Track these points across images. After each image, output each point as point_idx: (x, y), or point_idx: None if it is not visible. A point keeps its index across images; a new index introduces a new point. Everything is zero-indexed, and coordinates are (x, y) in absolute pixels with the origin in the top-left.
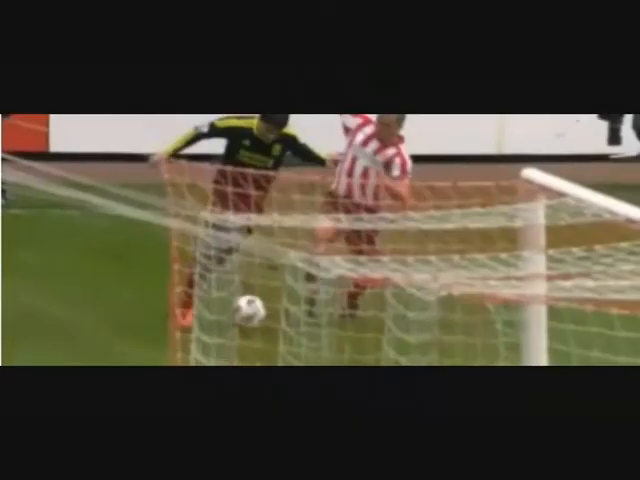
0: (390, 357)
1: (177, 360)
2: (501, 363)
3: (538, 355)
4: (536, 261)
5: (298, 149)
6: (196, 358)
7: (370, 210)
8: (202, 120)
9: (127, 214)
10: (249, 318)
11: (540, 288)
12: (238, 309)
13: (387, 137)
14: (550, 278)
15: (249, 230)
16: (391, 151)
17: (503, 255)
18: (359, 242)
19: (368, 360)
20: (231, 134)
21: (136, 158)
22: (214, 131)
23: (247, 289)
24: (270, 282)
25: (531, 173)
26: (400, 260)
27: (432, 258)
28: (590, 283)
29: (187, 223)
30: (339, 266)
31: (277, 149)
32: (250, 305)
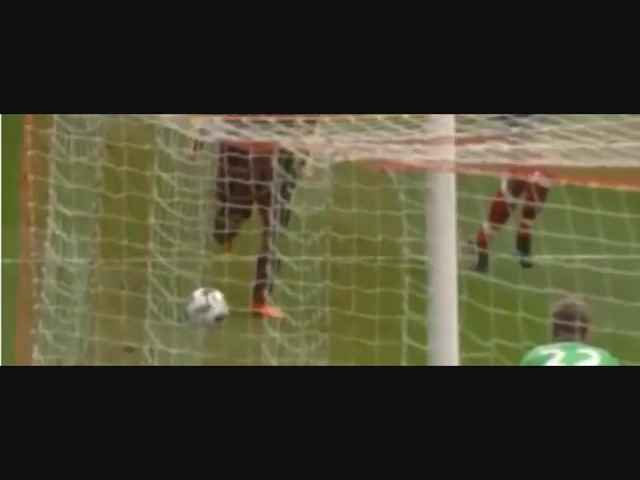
0: (277, 230)
1: None
2: (404, 238)
3: (447, 229)
4: (444, 122)
5: None
6: None
7: None
8: None
9: None
10: (203, 309)
11: (448, 153)
12: (192, 299)
13: None
14: (460, 142)
15: None
16: None
17: (405, 115)
18: None
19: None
20: None
21: None
22: None
23: None
24: None
25: None
26: (288, 121)
27: (325, 119)
28: (505, 147)
29: None
30: (219, 129)
31: None
32: (206, 295)
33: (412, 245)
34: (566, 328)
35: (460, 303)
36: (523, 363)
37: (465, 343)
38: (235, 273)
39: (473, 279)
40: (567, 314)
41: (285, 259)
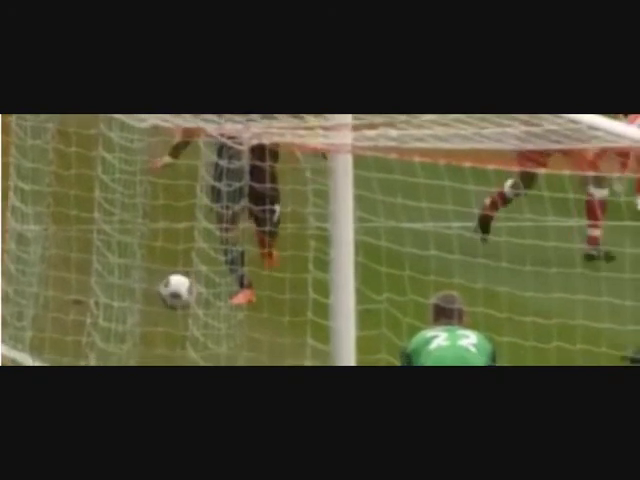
0: (203, 203)
1: None
2: (310, 209)
3: (345, 201)
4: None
5: None
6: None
7: None
8: None
9: None
10: (175, 296)
11: (347, 138)
12: (167, 284)
13: None
14: (356, 128)
15: None
16: None
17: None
18: None
19: (183, 206)
20: None
21: None
22: None
23: None
24: None
25: None
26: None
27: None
28: (394, 132)
29: None
30: (154, 117)
31: None
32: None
33: (316, 215)
34: (446, 314)
35: (356, 264)
36: (412, 345)
37: (360, 297)
38: (168, 239)
39: (368, 243)
40: (446, 302)
41: (210, 227)
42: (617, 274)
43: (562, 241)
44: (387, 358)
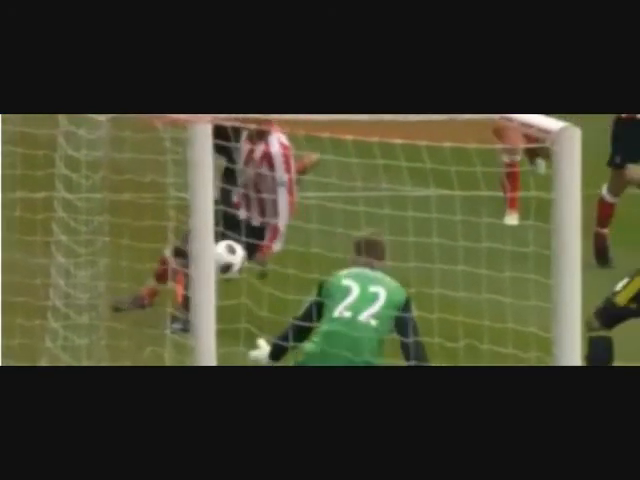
0: (62, 173)
1: None
2: (169, 178)
3: (203, 171)
4: None
5: None
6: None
7: None
8: None
9: None
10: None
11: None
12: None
13: None
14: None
15: None
16: None
17: None
18: None
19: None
20: None
21: None
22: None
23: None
24: None
25: None
26: None
27: None
28: None
29: None
30: None
31: None
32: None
33: (175, 184)
34: (367, 252)
35: (216, 233)
36: (328, 287)
37: None
38: (25, 209)
39: (227, 212)
40: (369, 242)
41: (69, 196)
42: (473, 244)
43: (420, 211)
44: (247, 327)
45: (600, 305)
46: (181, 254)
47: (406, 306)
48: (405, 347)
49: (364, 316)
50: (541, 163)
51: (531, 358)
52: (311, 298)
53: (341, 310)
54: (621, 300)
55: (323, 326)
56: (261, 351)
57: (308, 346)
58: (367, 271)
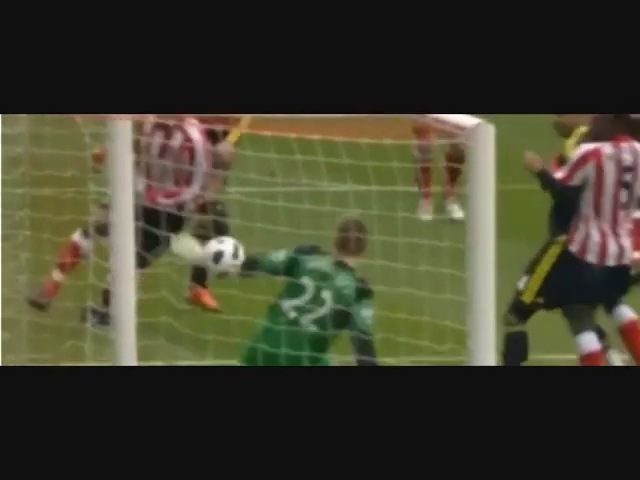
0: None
1: None
2: (90, 174)
3: (123, 166)
4: None
5: None
6: None
7: None
8: None
9: None
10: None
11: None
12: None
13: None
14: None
15: None
16: None
17: None
18: None
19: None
20: None
21: None
22: None
23: None
24: None
25: None
26: None
27: None
28: None
29: None
30: None
31: None
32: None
33: (96, 179)
34: (339, 242)
35: (136, 228)
36: (295, 269)
37: (141, 261)
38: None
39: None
40: (342, 228)
41: None
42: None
43: (338, 206)
44: (167, 320)
45: (511, 301)
46: (101, 230)
47: (361, 296)
48: (353, 341)
49: (306, 320)
50: (456, 209)
51: (446, 351)
52: (282, 257)
53: (288, 308)
54: (527, 298)
55: (268, 321)
56: (199, 248)
57: (247, 344)
58: (331, 268)
